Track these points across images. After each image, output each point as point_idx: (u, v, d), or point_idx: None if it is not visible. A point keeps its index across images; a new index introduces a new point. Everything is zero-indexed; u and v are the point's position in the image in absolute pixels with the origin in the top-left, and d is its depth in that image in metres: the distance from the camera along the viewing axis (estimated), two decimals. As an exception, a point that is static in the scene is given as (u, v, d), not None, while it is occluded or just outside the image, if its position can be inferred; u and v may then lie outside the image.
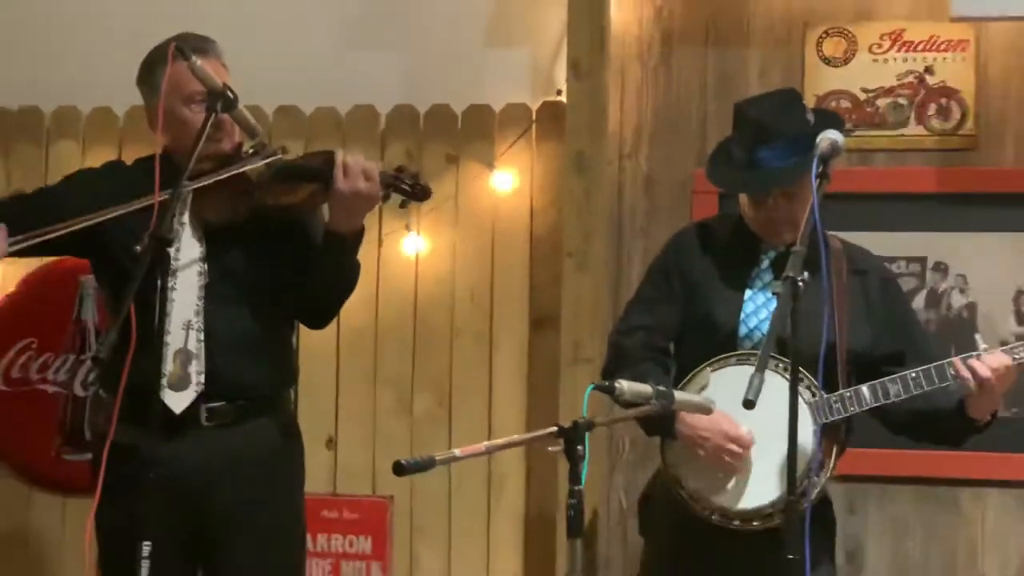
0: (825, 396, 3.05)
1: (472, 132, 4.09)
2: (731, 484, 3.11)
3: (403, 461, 2.44)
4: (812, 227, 2.76)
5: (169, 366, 2.89)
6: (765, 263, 3.10)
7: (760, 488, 3.00)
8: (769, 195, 2.97)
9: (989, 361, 2.95)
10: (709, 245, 3.31)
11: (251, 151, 3.09)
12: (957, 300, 3.89)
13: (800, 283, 2.62)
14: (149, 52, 3.09)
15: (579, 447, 2.40)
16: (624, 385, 2.57)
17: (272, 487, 3.10)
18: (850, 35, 3.93)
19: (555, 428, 2.45)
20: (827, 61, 3.95)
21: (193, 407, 2.94)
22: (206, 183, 2.91)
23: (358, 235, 3.03)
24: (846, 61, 3.93)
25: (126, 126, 4.20)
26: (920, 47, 3.90)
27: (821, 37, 3.93)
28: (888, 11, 3.94)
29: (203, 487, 2.95)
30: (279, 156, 3.10)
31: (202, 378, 2.92)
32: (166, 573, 2.69)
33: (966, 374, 2.93)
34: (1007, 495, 3.84)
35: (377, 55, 4.17)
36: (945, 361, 3.00)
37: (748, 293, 3.16)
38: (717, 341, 3.14)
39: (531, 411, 3.98)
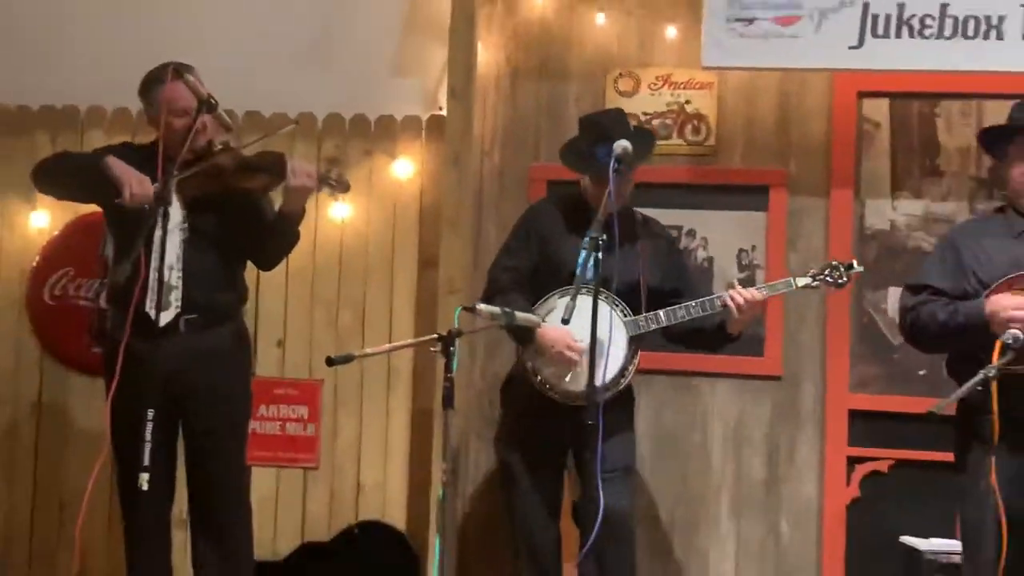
0: (634, 317, 3.73)
1: (381, 135, 4.68)
2: (569, 375, 3.68)
3: (331, 356, 3.19)
4: (619, 204, 3.42)
5: (159, 293, 3.32)
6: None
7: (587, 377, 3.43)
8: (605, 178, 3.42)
9: (745, 295, 3.66)
10: (555, 212, 3.89)
11: (220, 147, 3.56)
12: (701, 255, 4.62)
13: (600, 240, 3.21)
14: (148, 72, 3.54)
15: (451, 348, 3.12)
16: (482, 307, 3.34)
17: (227, 372, 3.61)
18: (636, 76, 4.64)
19: (435, 336, 3.14)
20: (620, 93, 4.63)
21: (175, 320, 3.41)
22: (188, 173, 3.37)
23: (301, 215, 3.61)
24: (633, 93, 4.63)
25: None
26: (682, 86, 4.64)
27: (617, 76, 4.64)
28: (662, 60, 4.65)
29: (182, 372, 3.39)
30: (240, 151, 3.59)
31: (179, 302, 3.41)
32: (161, 430, 3.10)
33: (730, 304, 3.65)
34: (727, 382, 4.60)
35: (318, 76, 4.63)
36: (716, 296, 3.73)
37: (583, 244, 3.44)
38: (561, 278, 3.67)
39: (418, 325, 4.54)
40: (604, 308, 3.48)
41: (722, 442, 4.62)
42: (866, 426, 4.51)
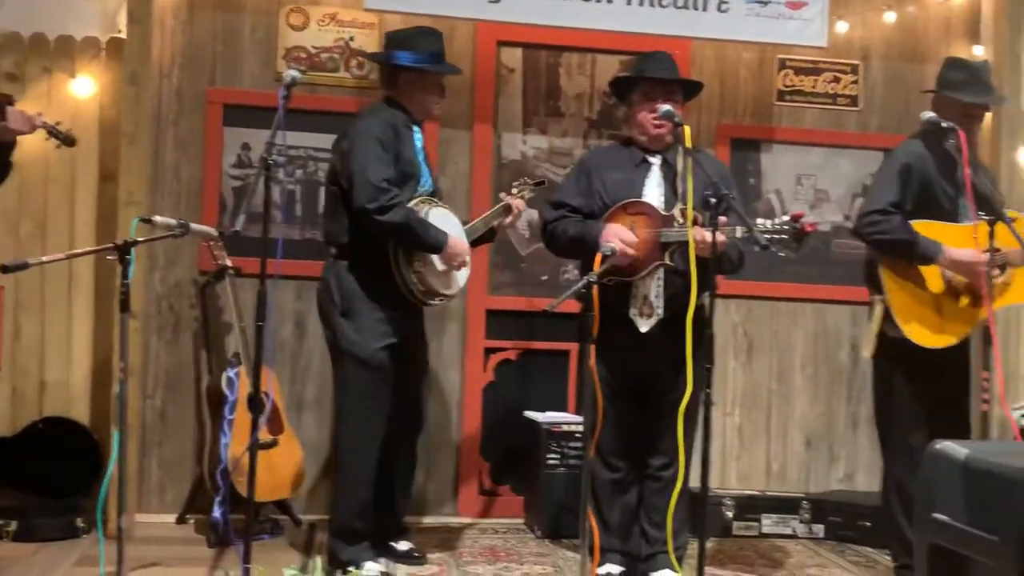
0: (468, 225, 3.82)
1: (60, 53, 4.42)
2: (451, 278, 3.74)
3: (6, 264, 3.06)
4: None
5: None
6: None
7: (459, 279, 3.76)
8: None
9: (518, 201, 3.95)
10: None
11: None
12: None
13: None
14: None
15: (127, 256, 3.05)
16: (157, 218, 3.27)
17: None
18: (306, 12, 4.57)
19: (111, 245, 3.09)
20: (292, 27, 4.55)
21: None
22: None
23: (12, 145, 3.41)
24: (303, 28, 4.57)
25: None
26: (347, 24, 4.61)
27: (288, 11, 4.56)
28: (328, 0, 4.60)
29: None
30: None
31: None
32: None
33: (514, 208, 3.92)
34: None
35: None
36: (504, 203, 3.87)
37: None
38: (412, 186, 3.68)
39: (100, 235, 4.37)
40: (452, 216, 3.71)
41: (380, 338, 4.72)
42: (499, 322, 4.78)
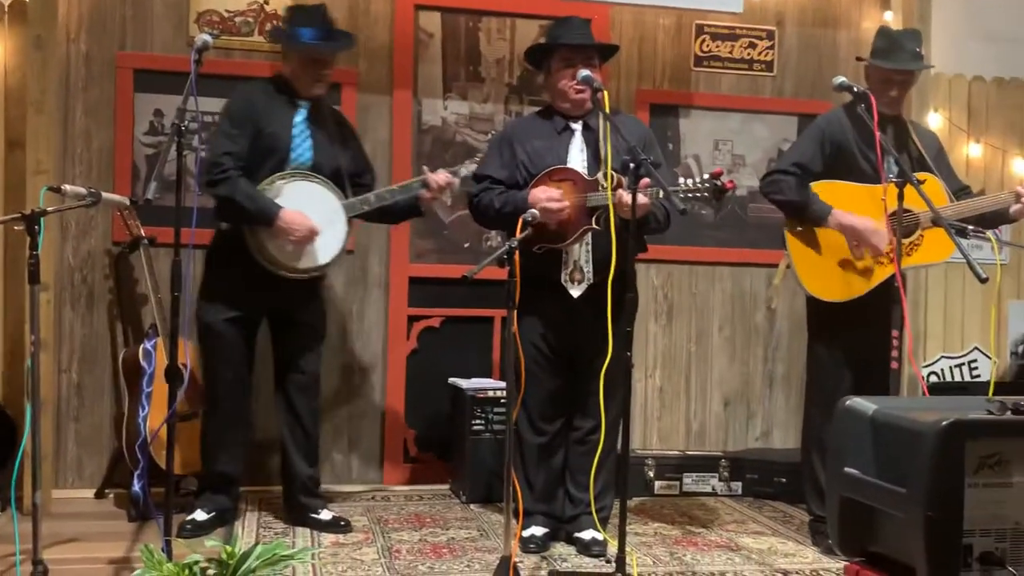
0: (349, 200, 3.75)
1: None
2: (301, 253, 3.69)
3: None
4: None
5: None
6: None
7: (319, 255, 3.71)
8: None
9: (439, 178, 3.78)
10: (265, 96, 3.74)
11: None
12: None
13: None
14: None
15: (36, 226, 2.93)
16: (67, 187, 3.13)
17: None
18: None
19: (19, 214, 2.96)
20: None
21: None
22: None
23: None
24: None
25: None
26: None
27: None
28: None
29: None
30: None
31: None
32: None
33: (432, 184, 3.76)
34: None
35: None
36: (419, 178, 3.79)
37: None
38: (275, 161, 3.68)
39: (8, 204, 4.24)
40: (326, 191, 3.67)
41: (302, 307, 4.66)
42: (422, 290, 4.77)
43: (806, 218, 3.79)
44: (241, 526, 3.95)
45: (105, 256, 4.45)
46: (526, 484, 3.75)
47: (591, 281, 3.60)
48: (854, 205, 3.73)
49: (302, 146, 3.76)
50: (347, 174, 3.84)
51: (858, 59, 4.01)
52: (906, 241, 3.70)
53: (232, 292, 3.73)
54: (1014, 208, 3.66)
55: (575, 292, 3.62)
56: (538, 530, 3.75)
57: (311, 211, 3.66)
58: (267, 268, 3.70)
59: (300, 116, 3.77)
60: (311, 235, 3.69)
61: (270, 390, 4.07)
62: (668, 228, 3.77)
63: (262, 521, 4.04)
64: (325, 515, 3.92)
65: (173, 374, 3.11)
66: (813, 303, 3.85)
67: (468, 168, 3.89)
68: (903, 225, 3.56)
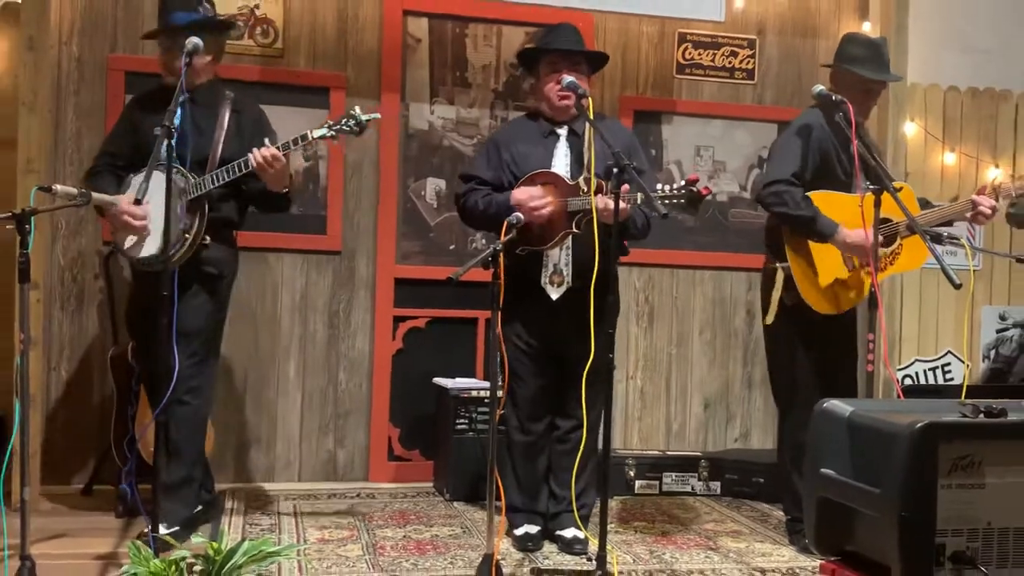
0: (192, 180, 3.44)
1: None
2: (133, 241, 3.52)
3: None
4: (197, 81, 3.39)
5: None
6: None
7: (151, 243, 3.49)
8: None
9: (264, 152, 3.41)
10: (146, 100, 3.66)
11: None
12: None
13: (173, 127, 3.08)
14: None
15: (26, 225, 2.91)
16: (58, 187, 3.12)
17: None
18: None
19: (9, 213, 2.91)
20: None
21: None
22: None
23: None
24: None
25: None
26: None
27: None
28: None
29: None
30: None
31: None
32: None
33: (252, 161, 3.42)
34: (294, 256, 4.59)
35: None
36: (243, 159, 3.42)
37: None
38: (143, 158, 3.34)
39: None
40: (160, 181, 3.23)
41: (290, 309, 4.66)
42: (408, 291, 4.75)
43: (810, 233, 3.64)
44: (227, 523, 3.92)
45: (95, 256, 4.42)
46: (515, 482, 3.75)
47: (570, 284, 3.60)
48: (842, 215, 3.64)
49: (161, 144, 3.29)
50: (224, 160, 3.54)
51: (830, 65, 3.86)
52: (888, 250, 3.70)
53: (134, 287, 3.81)
54: (969, 215, 3.67)
55: (554, 294, 3.62)
56: (532, 528, 3.76)
57: (156, 204, 3.33)
58: (128, 259, 3.67)
59: (176, 116, 3.32)
60: (131, 220, 3.46)
61: (251, 388, 4.01)
62: (647, 235, 3.76)
63: (248, 519, 4.01)
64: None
65: (160, 372, 3.07)
66: (798, 312, 3.71)
67: (299, 142, 3.48)
68: (887, 236, 3.58)
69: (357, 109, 3.45)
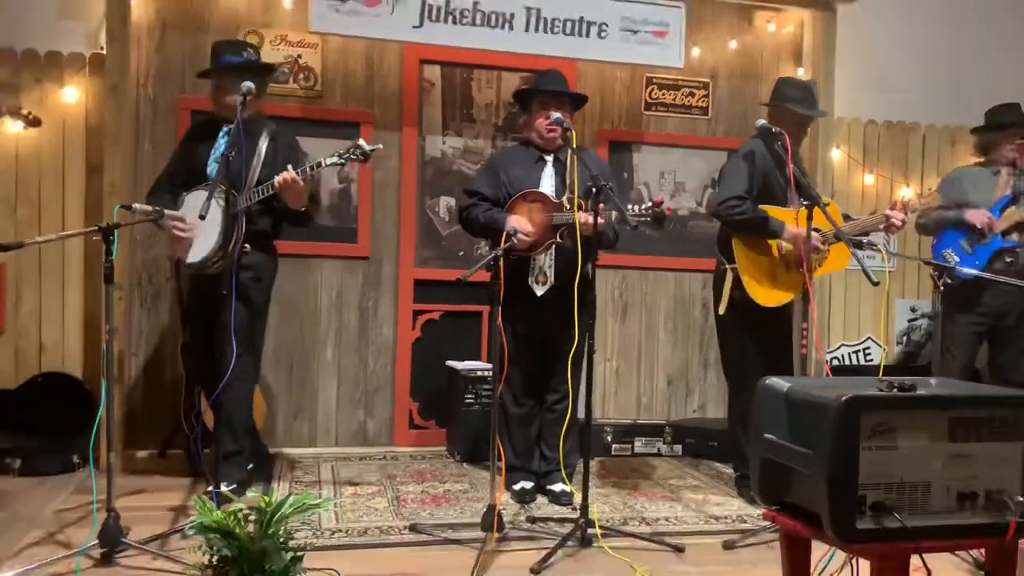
0: (232, 199, 3.31)
1: (50, 66, 4.20)
2: (187, 251, 3.45)
3: (5, 243, 2.87)
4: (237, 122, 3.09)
5: None
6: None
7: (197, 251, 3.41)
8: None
9: (285, 176, 3.32)
10: (202, 129, 3.61)
11: None
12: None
13: (229, 155, 3.07)
14: None
15: (111, 237, 2.88)
16: (136, 206, 3.12)
17: None
18: (261, 33, 4.41)
19: (96, 227, 2.92)
20: (252, 46, 4.00)
21: None
22: None
23: None
24: (259, 46, 4.24)
25: None
26: (295, 44, 4.46)
27: (247, 32, 4.35)
28: (279, 22, 4.42)
29: None
30: None
31: None
32: None
33: (278, 182, 3.34)
34: (332, 262, 4.50)
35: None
36: (273, 179, 3.30)
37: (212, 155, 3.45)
38: (201, 178, 3.48)
39: (88, 219, 4.17)
40: (202, 197, 3.13)
41: (328, 305, 4.61)
42: (425, 289, 4.71)
43: (764, 233, 3.60)
44: (277, 480, 3.90)
45: (167, 261, 4.39)
46: (510, 446, 3.74)
47: (553, 283, 3.58)
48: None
49: (216, 167, 3.42)
50: (259, 181, 3.44)
51: (769, 104, 3.80)
52: (824, 248, 3.68)
53: (185, 292, 3.79)
54: (883, 226, 3.64)
55: (539, 291, 3.61)
56: (527, 483, 3.74)
57: (192, 215, 3.26)
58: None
59: (219, 143, 3.46)
60: (179, 232, 3.41)
61: (296, 370, 3.99)
62: (616, 245, 3.74)
63: (293, 476, 3.98)
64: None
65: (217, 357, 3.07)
66: (745, 305, 3.66)
67: (313, 164, 3.37)
68: (825, 240, 3.57)
69: (362, 141, 3.36)
